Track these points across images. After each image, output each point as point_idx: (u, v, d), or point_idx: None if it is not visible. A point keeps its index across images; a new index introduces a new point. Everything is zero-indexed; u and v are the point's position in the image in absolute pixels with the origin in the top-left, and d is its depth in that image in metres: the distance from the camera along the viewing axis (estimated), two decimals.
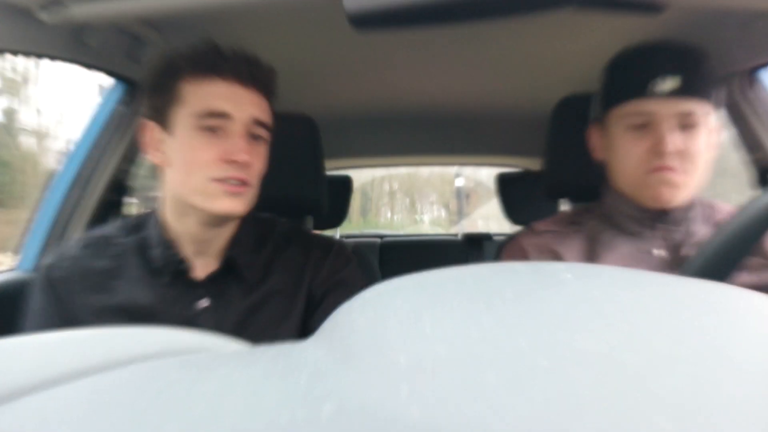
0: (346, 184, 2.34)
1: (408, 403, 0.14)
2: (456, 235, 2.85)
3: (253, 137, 0.83)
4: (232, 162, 0.79)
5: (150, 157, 0.84)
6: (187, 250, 0.85)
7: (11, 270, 1.41)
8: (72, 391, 0.16)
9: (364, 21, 0.59)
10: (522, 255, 0.93)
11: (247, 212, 0.84)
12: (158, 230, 0.85)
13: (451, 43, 1.34)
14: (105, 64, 1.13)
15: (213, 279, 0.85)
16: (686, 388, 0.14)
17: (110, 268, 0.84)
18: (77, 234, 1.40)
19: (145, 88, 0.84)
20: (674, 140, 0.80)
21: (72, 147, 1.43)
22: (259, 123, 0.83)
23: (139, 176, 1.52)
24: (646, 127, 0.83)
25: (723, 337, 0.16)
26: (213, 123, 0.79)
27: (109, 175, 1.40)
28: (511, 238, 1.28)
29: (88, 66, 1.10)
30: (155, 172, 0.89)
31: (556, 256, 0.91)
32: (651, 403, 0.13)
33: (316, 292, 0.90)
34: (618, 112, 0.86)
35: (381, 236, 2.91)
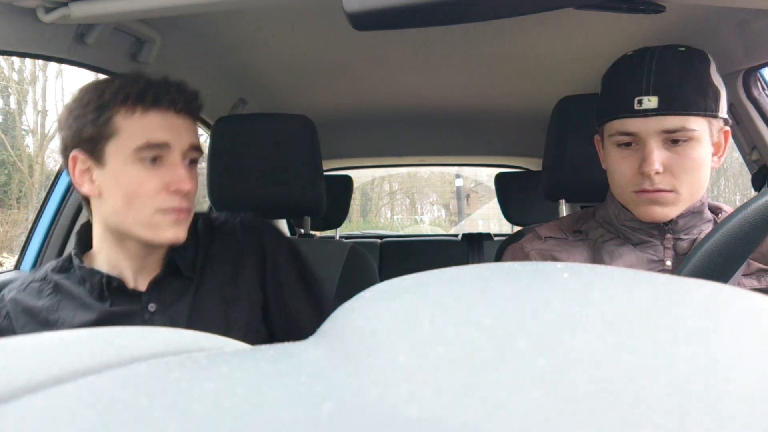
0: (346, 184, 2.33)
1: (407, 402, 0.14)
2: (456, 235, 2.85)
3: (191, 162, 0.85)
4: (176, 192, 0.80)
5: (79, 188, 0.83)
6: (127, 269, 0.86)
7: (11, 270, 1.41)
8: (72, 391, 0.16)
9: (364, 21, 0.59)
10: (524, 259, 0.93)
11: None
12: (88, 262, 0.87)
13: (450, 44, 1.34)
14: (105, 64, 1.13)
15: (155, 284, 0.86)
16: (686, 388, 0.14)
17: (50, 305, 0.85)
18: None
19: (67, 118, 0.82)
20: (660, 160, 0.78)
21: None
22: (194, 147, 0.85)
23: None
24: (632, 145, 0.82)
25: (723, 337, 0.16)
26: (153, 154, 0.80)
27: None
28: (512, 238, 1.28)
29: (88, 66, 1.10)
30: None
31: None
32: (650, 402, 0.13)
33: (268, 279, 0.92)
34: (608, 128, 0.85)
35: (381, 236, 2.91)
